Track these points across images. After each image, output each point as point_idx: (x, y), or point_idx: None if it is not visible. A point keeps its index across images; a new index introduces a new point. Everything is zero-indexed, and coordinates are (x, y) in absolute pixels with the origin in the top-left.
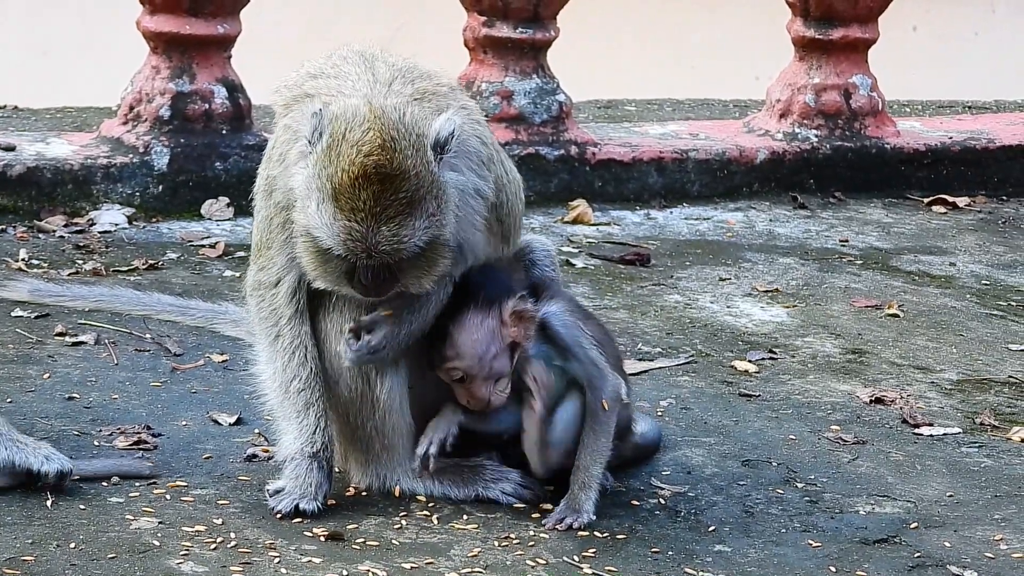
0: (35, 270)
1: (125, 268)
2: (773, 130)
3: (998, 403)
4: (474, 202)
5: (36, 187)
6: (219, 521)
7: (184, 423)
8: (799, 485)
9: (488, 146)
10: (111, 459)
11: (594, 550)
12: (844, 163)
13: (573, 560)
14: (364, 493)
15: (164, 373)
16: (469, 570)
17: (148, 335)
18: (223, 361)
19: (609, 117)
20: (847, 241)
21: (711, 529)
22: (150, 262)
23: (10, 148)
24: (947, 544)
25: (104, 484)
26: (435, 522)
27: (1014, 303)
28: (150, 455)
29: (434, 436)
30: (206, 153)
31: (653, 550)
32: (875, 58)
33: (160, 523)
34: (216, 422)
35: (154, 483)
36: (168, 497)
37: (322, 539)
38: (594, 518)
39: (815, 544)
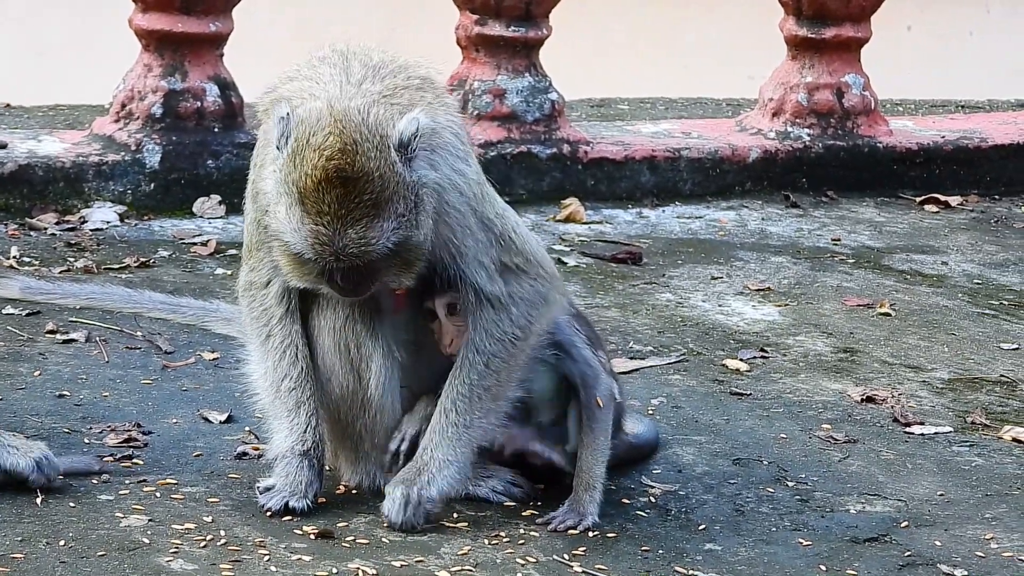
0: (26, 268)
1: (117, 266)
2: (766, 129)
3: (989, 402)
4: (456, 195)
5: (28, 185)
6: (209, 519)
7: (175, 421)
8: (790, 484)
9: (459, 137)
10: (64, 458)
11: (584, 548)
12: (836, 162)
13: (563, 558)
14: (354, 491)
15: (155, 371)
16: (459, 568)
17: (139, 333)
18: (214, 359)
19: (602, 116)
20: (839, 240)
21: (701, 528)
22: (142, 260)
23: (2, 146)
24: (938, 543)
25: (94, 482)
26: None
27: (1006, 302)
28: (140, 452)
29: (407, 432)
30: (198, 151)
31: (643, 548)
32: (870, 58)
33: (150, 521)
34: (207, 420)
35: (144, 481)
36: (158, 495)
37: (312, 537)
38: (598, 521)
39: (806, 543)
